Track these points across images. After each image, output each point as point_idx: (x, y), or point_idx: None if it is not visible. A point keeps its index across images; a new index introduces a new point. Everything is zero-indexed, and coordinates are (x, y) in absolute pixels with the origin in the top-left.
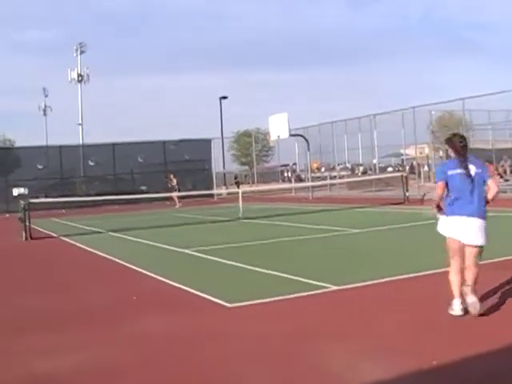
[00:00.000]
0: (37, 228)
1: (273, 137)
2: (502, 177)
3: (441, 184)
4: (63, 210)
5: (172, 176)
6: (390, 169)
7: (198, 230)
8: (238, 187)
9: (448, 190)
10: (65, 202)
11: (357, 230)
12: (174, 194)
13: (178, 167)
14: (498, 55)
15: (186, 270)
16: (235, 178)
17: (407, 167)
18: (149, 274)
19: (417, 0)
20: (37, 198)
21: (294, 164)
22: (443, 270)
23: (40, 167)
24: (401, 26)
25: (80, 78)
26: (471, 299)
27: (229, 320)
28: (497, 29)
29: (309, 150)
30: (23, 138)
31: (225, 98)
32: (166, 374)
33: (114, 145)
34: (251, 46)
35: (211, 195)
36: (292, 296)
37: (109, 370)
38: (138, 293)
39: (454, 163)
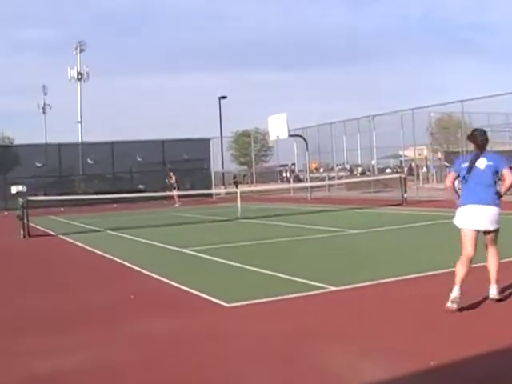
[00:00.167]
0: (35, 226)
1: (272, 137)
2: (499, 179)
3: (450, 174)
4: (62, 208)
5: (171, 174)
6: (388, 170)
7: (196, 229)
8: (237, 187)
9: (461, 181)
10: (63, 200)
11: (355, 231)
12: (174, 193)
13: (176, 166)
14: (498, 56)
15: (185, 269)
16: (234, 178)
17: (406, 168)
18: (147, 273)
19: (417, 0)
20: (35, 195)
21: (293, 164)
22: (442, 271)
23: (39, 165)
24: (401, 26)
25: (80, 77)
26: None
27: (228, 320)
28: (497, 29)
29: (307, 150)
30: (22, 135)
31: (224, 97)
32: (166, 374)
33: (113, 143)
34: (251, 46)
35: (210, 195)
36: (290, 296)
37: (109, 370)
38: (136, 292)
39: (469, 156)
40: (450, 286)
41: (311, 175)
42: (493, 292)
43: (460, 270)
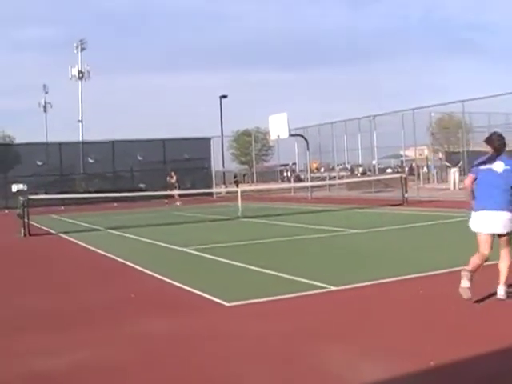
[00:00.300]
0: (35, 224)
1: (272, 136)
2: None
3: (470, 176)
4: (62, 207)
5: (173, 173)
6: (389, 170)
7: (197, 228)
8: (237, 186)
9: (477, 184)
10: (64, 199)
11: (355, 231)
12: (175, 192)
13: (177, 165)
14: (498, 56)
15: (185, 268)
16: (234, 177)
17: (406, 168)
18: (148, 272)
19: (417, 0)
20: (36, 194)
21: (294, 164)
22: (442, 271)
23: (39, 164)
24: (401, 26)
25: (80, 75)
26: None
27: (228, 319)
28: (497, 29)
29: (308, 150)
30: (23, 134)
31: (225, 96)
32: (166, 374)
33: (113, 142)
34: (251, 45)
35: (210, 194)
36: (291, 296)
37: (109, 369)
38: (137, 291)
39: (486, 159)
40: (450, 286)
41: (312, 175)
42: (501, 292)
43: (473, 260)
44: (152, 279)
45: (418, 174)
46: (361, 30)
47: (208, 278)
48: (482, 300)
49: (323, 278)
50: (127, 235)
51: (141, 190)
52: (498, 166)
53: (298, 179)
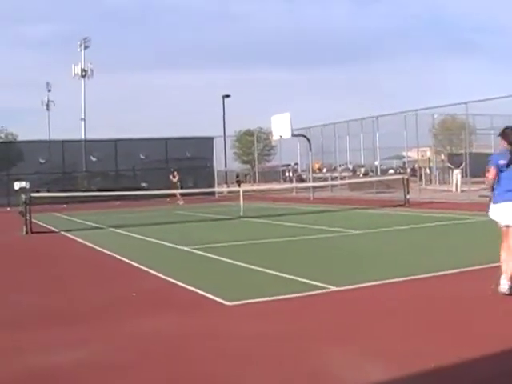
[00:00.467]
0: (37, 222)
1: (275, 136)
2: None
3: (492, 169)
4: (64, 205)
5: (176, 173)
6: (391, 171)
7: (198, 227)
8: (239, 186)
9: (497, 178)
10: (66, 197)
11: (357, 232)
12: (177, 191)
13: (179, 165)
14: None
15: (186, 267)
16: (237, 177)
17: (409, 170)
18: (149, 270)
19: (417, 0)
20: (38, 192)
21: (296, 164)
22: (443, 272)
23: (42, 161)
24: (403, 26)
25: (83, 73)
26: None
27: (228, 319)
28: (498, 30)
29: (311, 150)
30: (26, 132)
31: (228, 96)
32: (166, 372)
33: (116, 141)
34: (254, 45)
35: (212, 193)
36: (291, 296)
37: (109, 368)
38: (137, 290)
39: (503, 154)
40: (450, 287)
41: (314, 175)
42: (504, 287)
43: (502, 255)
44: (153, 278)
45: (420, 176)
46: (362, 30)
47: (209, 277)
48: (483, 300)
49: (324, 279)
50: (129, 234)
51: (143, 188)
52: None
53: (300, 179)
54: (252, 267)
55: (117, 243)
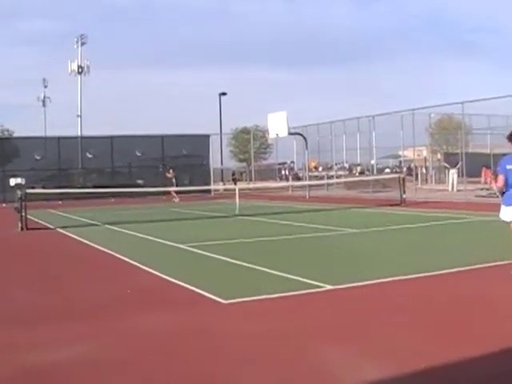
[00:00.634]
0: (33, 219)
1: (271, 134)
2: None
3: (501, 177)
4: (60, 202)
5: (171, 170)
6: (387, 170)
7: (194, 225)
8: (235, 184)
9: (507, 182)
10: (62, 194)
11: (353, 230)
12: (172, 189)
13: (175, 162)
14: (498, 58)
15: (182, 265)
16: (233, 175)
17: (405, 169)
18: (144, 268)
19: (417, 0)
20: (33, 188)
21: (292, 162)
22: (439, 272)
23: (38, 158)
24: (403, 26)
25: (80, 70)
26: None
27: (225, 317)
28: (498, 31)
29: (307, 148)
30: (22, 128)
31: (224, 94)
32: (162, 370)
33: (112, 138)
34: (251, 43)
35: (208, 191)
36: (288, 294)
37: (105, 364)
38: (133, 287)
39: (511, 158)
40: (447, 286)
41: (310, 174)
42: None
43: None
44: (149, 275)
45: (417, 175)
46: (362, 30)
47: (205, 275)
48: (482, 300)
49: (320, 277)
50: (124, 231)
51: (139, 185)
52: None
53: (297, 178)
54: (248, 265)
55: (112, 240)
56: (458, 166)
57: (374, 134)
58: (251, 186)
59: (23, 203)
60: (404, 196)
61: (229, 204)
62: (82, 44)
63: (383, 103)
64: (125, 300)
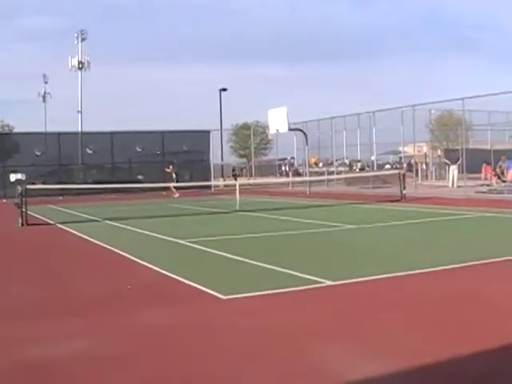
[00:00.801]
0: (33, 214)
1: (271, 130)
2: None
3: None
4: (60, 197)
5: (171, 166)
6: (387, 166)
7: (194, 221)
8: (236, 179)
9: None
10: (62, 189)
11: (353, 226)
12: (171, 184)
13: (176, 158)
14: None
15: (182, 260)
16: (233, 171)
17: (405, 165)
18: (144, 263)
19: None
20: (34, 184)
21: (292, 158)
22: (439, 268)
23: (38, 153)
24: (403, 24)
25: (80, 66)
26: None
27: (225, 313)
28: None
29: (307, 144)
30: (22, 123)
31: (224, 90)
32: (161, 365)
33: (112, 133)
34: (252, 39)
35: (208, 187)
36: (288, 290)
37: (105, 359)
38: (133, 283)
39: None
40: (446, 283)
41: (310, 169)
42: None
43: None
44: (149, 271)
45: (417, 171)
46: (362, 27)
47: (204, 271)
48: (481, 299)
49: (320, 273)
50: (125, 226)
51: (139, 181)
52: None
53: (297, 174)
54: (248, 261)
55: (112, 236)
56: (458, 162)
57: (374, 130)
58: (251, 181)
59: (23, 199)
60: (404, 192)
61: (229, 200)
62: (83, 40)
63: (383, 100)
64: (125, 295)
